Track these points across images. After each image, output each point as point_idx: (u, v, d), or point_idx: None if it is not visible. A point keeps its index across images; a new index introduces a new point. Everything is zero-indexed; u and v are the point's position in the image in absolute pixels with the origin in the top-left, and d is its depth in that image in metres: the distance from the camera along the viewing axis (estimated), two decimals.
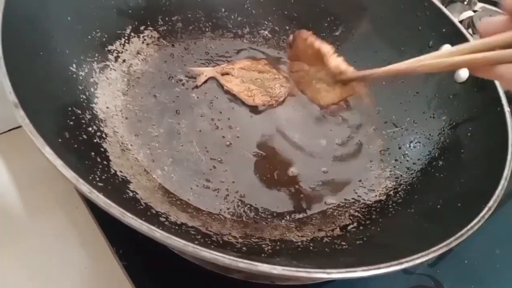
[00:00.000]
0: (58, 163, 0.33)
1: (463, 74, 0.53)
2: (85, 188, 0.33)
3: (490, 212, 0.39)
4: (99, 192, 0.33)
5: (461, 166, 0.48)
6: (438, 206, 0.45)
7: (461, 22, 0.80)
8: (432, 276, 0.52)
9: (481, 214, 0.39)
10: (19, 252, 0.49)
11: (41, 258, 0.49)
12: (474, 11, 0.81)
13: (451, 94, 0.54)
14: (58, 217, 0.52)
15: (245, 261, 0.31)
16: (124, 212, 0.32)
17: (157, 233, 0.31)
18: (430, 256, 0.36)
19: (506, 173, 0.42)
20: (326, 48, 0.46)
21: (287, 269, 0.32)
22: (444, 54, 0.37)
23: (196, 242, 0.31)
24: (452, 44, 0.54)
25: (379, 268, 0.34)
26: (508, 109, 0.47)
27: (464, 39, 0.53)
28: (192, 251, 0.31)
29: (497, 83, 0.49)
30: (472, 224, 0.38)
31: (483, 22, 0.36)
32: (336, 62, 0.46)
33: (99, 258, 0.49)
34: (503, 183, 0.41)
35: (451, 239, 0.37)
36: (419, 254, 0.35)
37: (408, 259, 0.35)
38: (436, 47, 0.55)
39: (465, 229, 0.38)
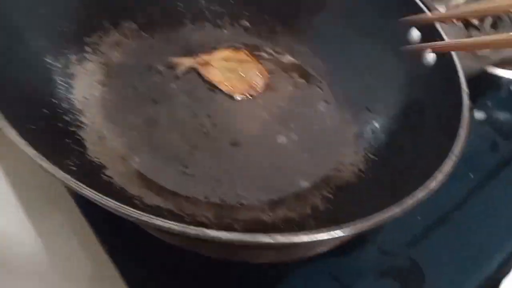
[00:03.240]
0: (22, 142, 0.33)
1: (430, 57, 0.52)
2: (47, 165, 0.32)
3: (437, 185, 0.38)
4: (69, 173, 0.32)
5: (424, 145, 0.47)
6: (402, 182, 0.43)
7: None
8: (410, 257, 0.51)
9: (431, 184, 0.38)
10: (13, 249, 0.48)
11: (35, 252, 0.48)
12: None
13: (420, 78, 0.53)
14: (51, 215, 0.51)
15: (195, 228, 0.31)
16: (81, 185, 0.31)
17: (111, 203, 0.30)
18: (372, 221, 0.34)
19: (457, 150, 0.41)
20: None
21: (234, 234, 0.31)
22: None
23: None
24: (420, 29, 0.54)
25: (320, 232, 0.33)
26: (467, 90, 0.46)
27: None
28: (147, 220, 0.30)
29: (458, 64, 0.49)
30: (417, 193, 0.37)
31: None
32: None
33: (88, 251, 0.48)
34: (453, 159, 0.40)
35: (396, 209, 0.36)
36: (364, 219, 0.34)
37: (351, 223, 0.34)
38: (406, 33, 0.54)
39: (410, 198, 0.37)
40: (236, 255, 0.46)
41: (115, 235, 0.46)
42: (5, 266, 0.47)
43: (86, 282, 0.47)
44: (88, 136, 0.47)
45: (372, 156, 0.52)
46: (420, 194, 0.37)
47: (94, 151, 0.46)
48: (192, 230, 0.30)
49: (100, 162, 0.45)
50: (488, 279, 0.51)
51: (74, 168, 0.39)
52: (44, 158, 0.32)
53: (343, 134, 0.55)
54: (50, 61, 0.48)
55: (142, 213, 0.30)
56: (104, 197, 0.31)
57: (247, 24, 0.64)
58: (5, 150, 0.53)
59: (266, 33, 0.64)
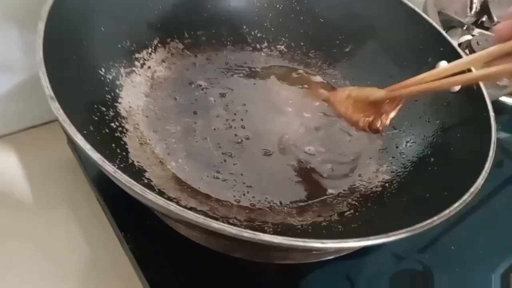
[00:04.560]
0: (87, 147, 0.35)
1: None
2: (110, 168, 0.34)
3: (471, 197, 0.39)
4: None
5: (450, 162, 0.48)
6: (427, 195, 0.45)
7: (460, 44, 0.80)
8: (421, 261, 0.52)
9: (463, 198, 0.39)
10: (27, 241, 0.51)
11: (47, 247, 0.51)
12: (472, 35, 0.81)
13: (445, 102, 0.54)
14: (66, 209, 0.54)
15: (249, 231, 0.32)
16: (144, 189, 0.33)
17: (172, 207, 0.32)
18: (415, 232, 0.36)
19: (487, 166, 0.42)
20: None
21: (286, 238, 0.32)
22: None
23: None
24: (448, 61, 0.54)
25: (368, 240, 0.34)
26: (493, 114, 0.48)
27: (458, 56, 0.55)
28: (192, 218, 0.32)
29: (484, 92, 0.51)
30: (454, 206, 0.38)
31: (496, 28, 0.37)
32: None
33: (104, 247, 0.51)
34: (483, 174, 0.42)
35: (434, 218, 0.37)
36: (405, 229, 0.35)
37: (395, 232, 0.35)
38: (434, 63, 0.56)
39: (448, 210, 0.38)
40: (264, 255, 0.47)
41: (143, 240, 0.48)
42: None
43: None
44: (131, 142, 0.49)
45: (395, 168, 0.53)
46: (457, 205, 0.38)
47: (136, 155, 0.48)
48: (247, 233, 0.32)
49: (141, 166, 0.47)
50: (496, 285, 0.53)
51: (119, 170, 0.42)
52: (108, 162, 0.34)
53: (368, 148, 0.57)
54: (103, 72, 0.51)
55: (198, 215, 0.32)
56: (168, 201, 0.32)
57: (284, 48, 0.66)
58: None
59: (300, 57, 0.66)
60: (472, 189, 0.40)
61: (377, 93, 0.47)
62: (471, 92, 0.51)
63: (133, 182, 0.33)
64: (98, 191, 0.52)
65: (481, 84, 0.51)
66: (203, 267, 0.47)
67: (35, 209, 0.54)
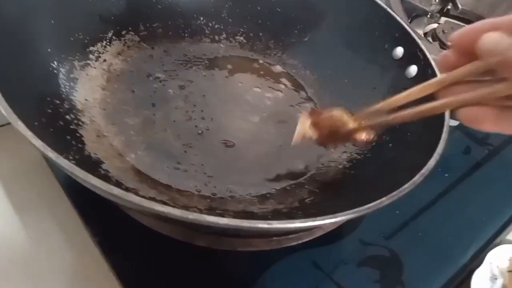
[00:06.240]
0: (29, 134, 0.33)
1: (413, 70, 0.54)
2: (52, 154, 0.32)
3: (421, 179, 0.38)
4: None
5: (407, 146, 0.48)
6: (384, 179, 0.44)
7: (426, 34, 0.79)
8: (388, 247, 0.52)
9: (413, 180, 0.38)
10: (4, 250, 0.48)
11: (23, 247, 0.48)
12: (439, 24, 0.81)
13: (402, 88, 0.53)
14: (40, 210, 0.51)
15: (195, 214, 0.30)
16: (87, 174, 0.31)
17: (115, 190, 0.31)
18: (362, 212, 0.35)
19: (440, 148, 0.42)
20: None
21: (232, 220, 0.31)
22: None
23: None
24: (404, 46, 0.55)
25: (314, 220, 0.33)
26: None
27: (413, 41, 0.54)
28: (138, 201, 0.30)
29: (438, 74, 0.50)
30: (404, 187, 0.38)
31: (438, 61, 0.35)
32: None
33: (79, 247, 0.49)
34: (436, 157, 0.41)
35: (383, 198, 0.36)
36: (353, 210, 0.34)
37: (342, 213, 0.34)
38: (390, 50, 0.56)
39: (397, 191, 0.37)
40: (226, 243, 0.46)
41: (110, 233, 0.47)
42: None
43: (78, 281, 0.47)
44: (88, 134, 0.47)
45: (356, 155, 0.52)
46: (407, 187, 0.37)
47: (93, 148, 0.46)
48: (192, 216, 0.30)
49: (98, 158, 0.45)
50: (462, 269, 0.53)
51: (73, 162, 0.40)
52: (50, 149, 0.32)
53: None
54: (55, 66, 0.49)
55: (143, 199, 0.30)
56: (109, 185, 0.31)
57: (243, 39, 0.65)
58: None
59: (259, 48, 0.65)
60: (423, 171, 0.39)
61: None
62: (426, 76, 0.51)
63: (75, 167, 0.31)
64: (67, 189, 0.50)
65: (435, 67, 0.51)
66: (169, 256, 0.46)
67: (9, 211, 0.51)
